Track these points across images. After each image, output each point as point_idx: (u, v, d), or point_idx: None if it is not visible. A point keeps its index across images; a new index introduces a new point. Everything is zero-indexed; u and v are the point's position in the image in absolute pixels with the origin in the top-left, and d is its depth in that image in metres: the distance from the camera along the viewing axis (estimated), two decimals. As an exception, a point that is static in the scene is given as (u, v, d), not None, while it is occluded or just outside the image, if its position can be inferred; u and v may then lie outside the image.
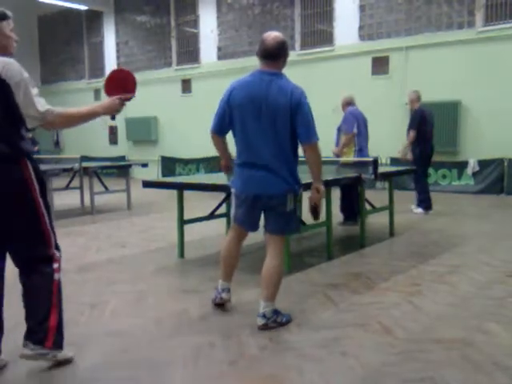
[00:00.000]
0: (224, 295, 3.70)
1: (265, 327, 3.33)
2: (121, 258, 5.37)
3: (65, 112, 2.76)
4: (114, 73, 3.13)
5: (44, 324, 2.72)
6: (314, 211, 3.48)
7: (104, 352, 3.06)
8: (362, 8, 11.33)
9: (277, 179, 3.27)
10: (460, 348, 3.00)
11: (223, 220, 5.92)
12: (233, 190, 3.50)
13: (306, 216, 5.96)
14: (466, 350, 2.98)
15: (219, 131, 3.47)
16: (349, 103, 7.10)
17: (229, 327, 3.39)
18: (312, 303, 3.85)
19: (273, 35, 3.36)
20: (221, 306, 3.73)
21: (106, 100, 2.96)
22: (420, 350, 2.99)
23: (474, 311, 3.62)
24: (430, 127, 7.90)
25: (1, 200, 2.61)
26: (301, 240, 6.12)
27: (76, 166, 8.31)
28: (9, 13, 2.81)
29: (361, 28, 11.38)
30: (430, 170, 10.54)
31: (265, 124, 3.24)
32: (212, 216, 5.76)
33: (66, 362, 2.86)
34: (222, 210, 5.83)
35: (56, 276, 2.79)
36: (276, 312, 3.40)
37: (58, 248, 2.86)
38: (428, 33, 10.55)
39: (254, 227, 3.56)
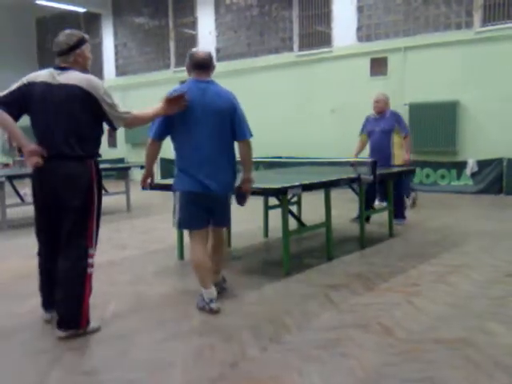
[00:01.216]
0: (213, 306, 3.68)
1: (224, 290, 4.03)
2: (121, 260, 5.37)
3: (139, 114, 3.41)
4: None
5: (78, 310, 3.22)
6: (243, 198, 3.88)
7: (104, 353, 3.06)
8: (359, 9, 11.34)
9: (226, 178, 3.71)
10: (460, 348, 3.00)
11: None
12: (177, 193, 3.69)
13: (306, 217, 5.97)
14: (467, 349, 2.98)
15: (159, 137, 3.71)
16: (388, 104, 6.95)
17: (229, 329, 3.39)
18: (312, 304, 3.85)
19: (203, 50, 3.81)
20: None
21: (164, 101, 3.49)
22: (420, 350, 2.99)
23: (475, 311, 3.63)
24: None
25: (66, 188, 3.17)
26: (300, 241, 6.12)
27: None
28: (87, 36, 3.41)
29: (359, 29, 11.39)
30: (429, 171, 10.58)
31: (207, 127, 3.59)
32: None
33: (94, 331, 3.34)
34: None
35: (89, 270, 3.26)
36: (224, 279, 4.13)
37: (94, 247, 3.33)
38: (426, 33, 10.57)
39: (205, 224, 3.77)
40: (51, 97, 3.14)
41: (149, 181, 3.92)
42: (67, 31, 3.33)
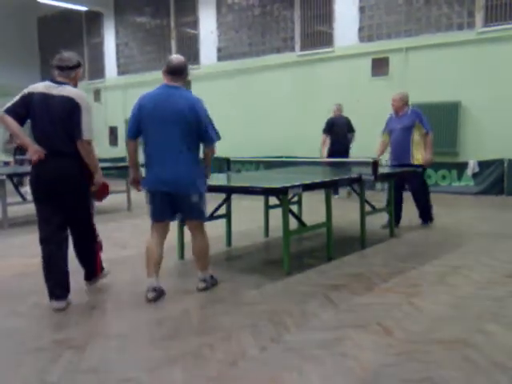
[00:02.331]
0: (149, 295, 3.93)
1: (205, 289, 4.18)
2: (121, 259, 5.37)
3: (91, 154, 3.84)
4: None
5: (93, 266, 4.23)
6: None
7: (104, 353, 3.07)
8: (361, 9, 11.34)
9: (184, 179, 3.84)
10: (460, 349, 3.00)
11: (223, 221, 5.92)
12: (145, 189, 3.99)
13: (306, 217, 5.97)
14: (466, 350, 2.98)
15: (134, 136, 3.95)
16: (407, 102, 6.89)
17: (229, 328, 3.40)
18: (312, 304, 3.85)
19: (177, 57, 3.98)
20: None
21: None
22: (420, 350, 3.00)
23: (474, 312, 3.63)
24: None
25: (65, 181, 3.77)
26: (301, 241, 6.12)
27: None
28: (81, 60, 4.04)
29: (361, 29, 11.39)
30: (430, 171, 10.56)
31: (169, 129, 3.77)
32: (212, 217, 5.75)
33: (108, 274, 4.42)
34: (222, 211, 5.83)
35: (98, 238, 4.19)
36: (212, 277, 4.31)
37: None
38: (428, 34, 10.56)
39: (167, 218, 4.04)
40: (47, 106, 3.70)
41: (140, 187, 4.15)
42: (70, 52, 3.95)
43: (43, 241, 3.79)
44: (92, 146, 3.83)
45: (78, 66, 3.93)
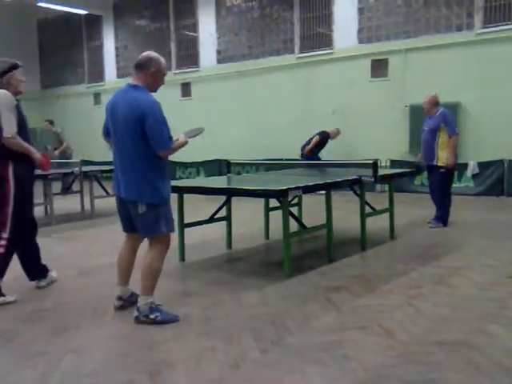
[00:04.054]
0: (115, 302, 3.84)
1: (136, 320, 3.55)
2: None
3: (18, 145, 4.04)
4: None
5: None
6: None
7: (105, 355, 3.06)
8: (360, 11, 11.35)
9: (131, 185, 3.53)
10: (462, 350, 3.00)
11: (223, 223, 5.92)
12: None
13: (307, 219, 5.97)
14: (468, 352, 2.98)
15: (106, 134, 3.79)
16: (437, 103, 6.91)
17: (230, 331, 3.39)
18: (313, 306, 3.84)
19: (145, 52, 3.66)
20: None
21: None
22: (422, 352, 2.99)
23: (476, 313, 3.62)
24: None
25: None
26: (302, 243, 6.12)
27: (76, 170, 8.32)
28: (20, 63, 4.16)
29: (360, 31, 11.40)
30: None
31: (121, 133, 3.53)
32: (212, 219, 5.76)
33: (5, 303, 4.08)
34: (223, 213, 5.83)
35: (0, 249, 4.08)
36: (152, 309, 3.56)
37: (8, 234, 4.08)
38: (427, 35, 10.57)
39: (127, 228, 3.78)
40: None
41: None
42: (4, 59, 4.10)
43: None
44: (16, 139, 4.00)
45: (8, 71, 4.05)
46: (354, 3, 11.38)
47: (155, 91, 3.67)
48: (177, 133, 3.70)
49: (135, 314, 3.57)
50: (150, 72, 3.56)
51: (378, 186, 10.20)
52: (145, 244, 3.76)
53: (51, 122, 12.48)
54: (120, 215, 3.78)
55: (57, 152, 11.25)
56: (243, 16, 13.27)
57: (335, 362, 2.90)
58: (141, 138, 3.45)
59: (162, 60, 3.65)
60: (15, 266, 4.31)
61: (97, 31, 16.82)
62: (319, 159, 10.56)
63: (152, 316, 3.53)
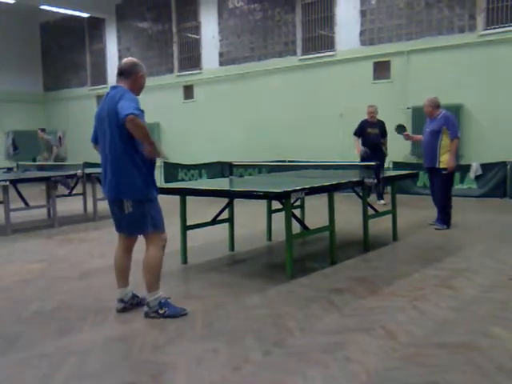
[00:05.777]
0: (117, 305, 3.85)
1: (147, 316, 3.68)
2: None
3: None
4: None
5: None
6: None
7: (108, 357, 3.06)
8: (362, 13, 11.36)
9: (116, 183, 3.61)
10: (464, 352, 2.99)
11: (226, 225, 5.92)
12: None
13: (309, 220, 5.97)
14: (470, 354, 2.97)
15: (94, 141, 3.84)
16: (438, 106, 6.91)
17: (232, 332, 3.39)
18: (315, 308, 3.84)
19: (128, 59, 3.78)
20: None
21: None
22: (424, 354, 2.98)
23: (478, 315, 3.61)
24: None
25: None
26: (304, 244, 6.11)
27: (79, 172, 8.34)
28: None
29: (362, 33, 11.40)
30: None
31: (105, 134, 3.61)
32: (215, 221, 5.76)
33: None
34: (225, 215, 5.83)
35: None
36: (161, 304, 3.70)
37: None
38: (429, 37, 10.56)
39: (119, 228, 3.84)
40: None
41: None
42: None
43: None
44: None
45: None
46: (356, 5, 11.39)
47: (139, 94, 3.73)
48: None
49: (145, 309, 3.71)
50: (138, 76, 3.68)
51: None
52: (143, 246, 3.76)
53: (43, 130, 12.90)
54: (112, 216, 3.84)
55: (50, 159, 11.69)
56: (245, 18, 13.29)
57: (337, 364, 2.89)
58: (124, 134, 3.49)
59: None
60: (19, 269, 4.33)
61: (99, 34, 16.87)
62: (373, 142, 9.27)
63: (161, 311, 3.67)
